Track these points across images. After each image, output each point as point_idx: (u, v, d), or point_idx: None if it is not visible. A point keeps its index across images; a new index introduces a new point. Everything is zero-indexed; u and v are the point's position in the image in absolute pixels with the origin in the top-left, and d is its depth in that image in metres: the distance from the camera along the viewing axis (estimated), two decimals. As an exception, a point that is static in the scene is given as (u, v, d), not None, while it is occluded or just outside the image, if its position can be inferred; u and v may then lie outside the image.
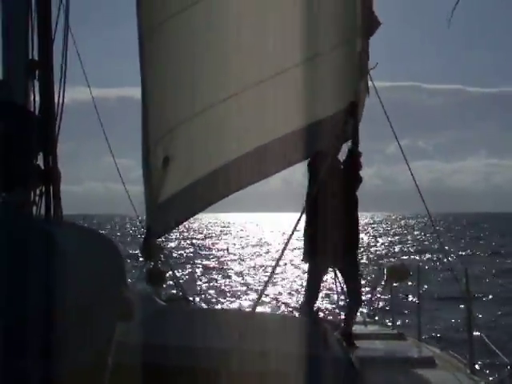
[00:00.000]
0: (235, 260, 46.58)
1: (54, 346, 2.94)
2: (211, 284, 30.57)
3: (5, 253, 3.07)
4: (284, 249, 6.59)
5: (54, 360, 2.94)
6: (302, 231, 7.17)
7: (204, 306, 21.55)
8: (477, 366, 7.41)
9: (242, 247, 61.83)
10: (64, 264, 3.05)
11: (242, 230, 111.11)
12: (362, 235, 8.80)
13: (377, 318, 8.68)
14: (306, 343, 5.16)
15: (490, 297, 24.21)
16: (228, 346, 4.90)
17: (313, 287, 7.28)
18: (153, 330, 5.00)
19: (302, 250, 7.36)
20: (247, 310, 18.41)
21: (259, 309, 7.08)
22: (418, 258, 46.14)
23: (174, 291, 7.82)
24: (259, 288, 28.24)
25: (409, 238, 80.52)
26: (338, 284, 7.83)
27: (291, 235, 6.61)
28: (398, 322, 11.10)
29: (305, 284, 7.84)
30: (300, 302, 7.50)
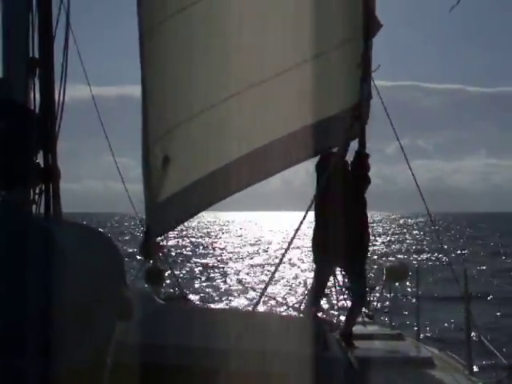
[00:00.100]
0: (233, 258, 46.60)
1: (52, 344, 2.94)
2: (210, 283, 30.59)
3: (4, 251, 3.07)
4: (287, 249, 6.61)
5: (52, 358, 2.94)
6: (311, 233, 7.20)
7: (203, 305, 21.54)
8: (475, 367, 7.42)
9: (240, 246, 61.82)
10: (63, 262, 3.05)
11: (241, 229, 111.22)
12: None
13: (376, 318, 8.65)
14: (304, 343, 5.16)
15: (489, 297, 24.23)
16: (226, 346, 4.90)
17: (319, 287, 7.28)
18: (152, 329, 5.00)
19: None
20: (246, 309, 18.41)
21: (258, 308, 7.06)
22: (416, 257, 46.18)
23: (173, 290, 7.82)
24: (256, 286, 28.31)
25: (407, 237, 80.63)
26: (337, 284, 7.84)
27: (294, 235, 6.63)
28: (397, 323, 11.09)
29: (308, 284, 7.84)
30: (304, 302, 7.48)
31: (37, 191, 4.09)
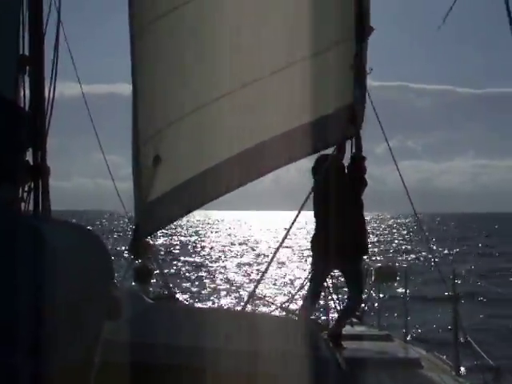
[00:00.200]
0: (222, 257, 46.59)
1: (44, 343, 2.93)
2: (198, 282, 30.56)
3: (-7, 249, 3.05)
4: (278, 248, 6.64)
5: (44, 356, 2.93)
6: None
7: (192, 304, 21.53)
8: (462, 368, 7.45)
9: (227, 244, 61.82)
10: (52, 260, 3.04)
11: (229, 228, 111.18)
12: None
13: (364, 318, 8.66)
14: (293, 344, 5.16)
15: (476, 298, 24.30)
16: (215, 345, 4.90)
17: (315, 289, 7.27)
18: (141, 329, 4.99)
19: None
20: (235, 309, 18.39)
21: (247, 308, 7.06)
22: (403, 258, 46.30)
23: (162, 289, 7.81)
24: (243, 285, 28.31)
25: (396, 236, 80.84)
26: (327, 285, 7.84)
27: (285, 235, 6.66)
28: (385, 324, 11.11)
29: (296, 283, 7.85)
30: (300, 304, 7.46)
31: (26, 189, 4.07)
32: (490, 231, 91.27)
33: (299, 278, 28.70)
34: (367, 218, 7.55)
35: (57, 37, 4.27)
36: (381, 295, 10.05)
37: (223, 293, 26.69)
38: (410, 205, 7.36)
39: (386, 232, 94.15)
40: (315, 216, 7.13)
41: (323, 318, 9.04)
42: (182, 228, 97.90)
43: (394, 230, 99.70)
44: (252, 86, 7.00)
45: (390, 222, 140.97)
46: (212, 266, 39.31)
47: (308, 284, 7.44)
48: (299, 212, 6.80)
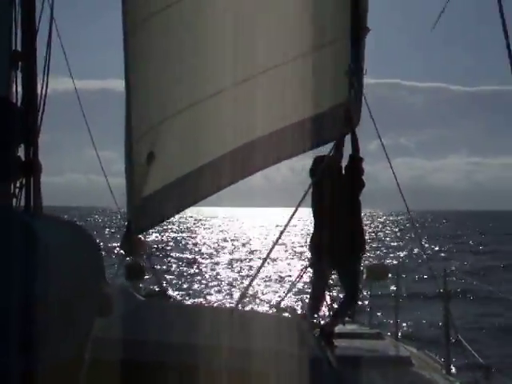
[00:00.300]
0: (214, 254, 46.57)
1: (34, 340, 2.93)
2: (190, 279, 30.54)
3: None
4: (273, 247, 6.64)
5: (37, 353, 2.93)
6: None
7: (183, 301, 21.51)
8: (453, 367, 7.47)
9: (221, 241, 61.82)
10: (44, 257, 3.04)
11: (222, 224, 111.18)
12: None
13: (355, 317, 8.67)
14: (284, 341, 5.17)
15: (468, 296, 24.36)
16: (206, 343, 4.90)
17: (319, 290, 7.26)
18: (132, 326, 4.99)
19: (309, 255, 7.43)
20: (227, 306, 18.38)
21: (240, 305, 7.06)
22: (396, 254, 46.37)
23: (153, 286, 7.80)
24: (236, 281, 28.32)
25: (388, 233, 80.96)
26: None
27: (281, 234, 6.66)
28: (376, 322, 11.14)
29: (286, 281, 7.85)
30: (306, 306, 7.44)
31: (17, 185, 4.05)
32: (484, 229, 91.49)
33: (289, 277, 28.79)
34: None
35: (49, 33, 4.24)
36: (372, 293, 10.08)
37: (215, 289, 26.68)
38: (402, 202, 7.38)
39: (378, 229, 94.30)
40: (313, 217, 7.15)
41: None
42: (174, 224, 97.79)
43: (388, 228, 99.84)
44: (246, 84, 7.00)
45: (381, 220, 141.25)
46: (203, 263, 39.28)
47: (309, 285, 7.44)
48: (295, 211, 6.79)
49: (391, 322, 11.23)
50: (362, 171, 7.18)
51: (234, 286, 27.15)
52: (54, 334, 3.05)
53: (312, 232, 7.24)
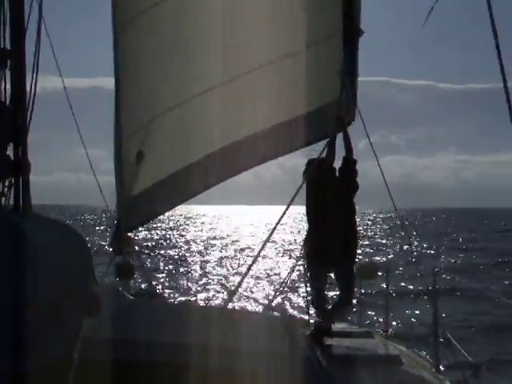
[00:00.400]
0: (204, 252, 46.56)
1: (27, 339, 2.92)
2: (179, 277, 30.49)
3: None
4: (264, 244, 6.63)
5: (27, 353, 2.92)
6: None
7: (173, 300, 21.48)
8: (442, 365, 7.49)
9: (211, 239, 61.81)
10: (33, 256, 3.03)
11: (212, 222, 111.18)
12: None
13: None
14: (274, 341, 5.17)
15: (456, 294, 24.41)
16: (196, 342, 4.90)
17: (319, 291, 7.25)
18: (122, 325, 4.98)
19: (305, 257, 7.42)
20: (217, 305, 18.36)
21: (230, 304, 7.06)
22: (385, 252, 46.48)
23: (143, 285, 7.78)
24: (226, 278, 28.29)
25: (377, 231, 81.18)
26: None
27: (272, 232, 6.66)
28: (365, 320, 11.15)
29: (285, 282, 7.86)
30: (315, 313, 7.40)
31: (6, 184, 4.03)
32: (472, 227, 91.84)
33: (278, 274, 28.82)
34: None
35: (38, 31, 4.22)
36: (361, 291, 10.09)
37: (205, 288, 26.65)
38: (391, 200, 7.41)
39: (367, 227, 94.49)
40: (307, 218, 7.14)
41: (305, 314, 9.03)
42: (163, 222, 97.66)
43: (378, 226, 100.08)
44: (235, 82, 7.00)
45: (371, 217, 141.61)
46: (194, 260, 39.25)
47: (307, 284, 7.45)
48: (286, 210, 6.79)
49: (381, 320, 11.25)
50: (355, 173, 7.18)
51: (224, 284, 27.12)
52: (44, 334, 3.04)
53: (306, 234, 7.23)
